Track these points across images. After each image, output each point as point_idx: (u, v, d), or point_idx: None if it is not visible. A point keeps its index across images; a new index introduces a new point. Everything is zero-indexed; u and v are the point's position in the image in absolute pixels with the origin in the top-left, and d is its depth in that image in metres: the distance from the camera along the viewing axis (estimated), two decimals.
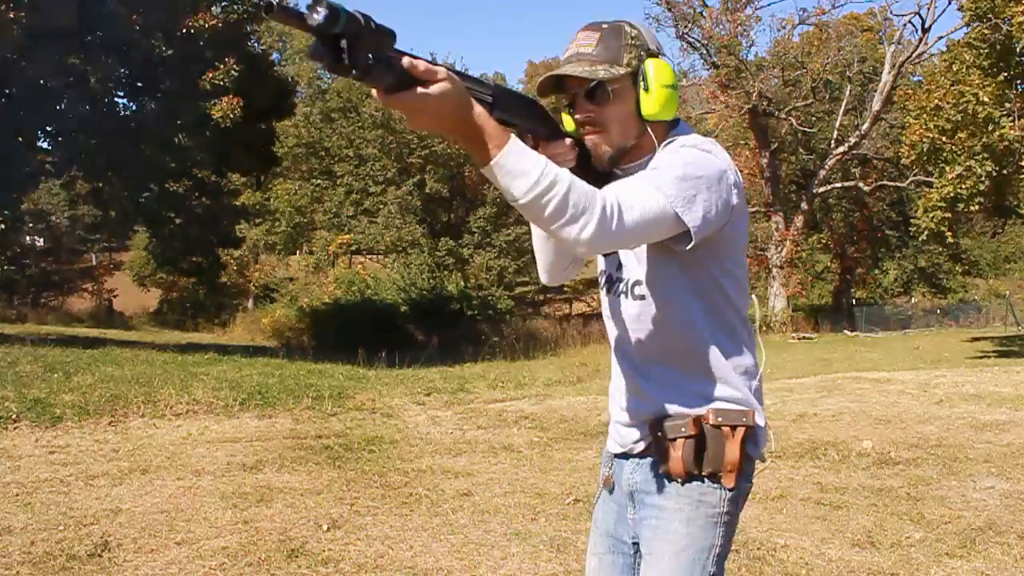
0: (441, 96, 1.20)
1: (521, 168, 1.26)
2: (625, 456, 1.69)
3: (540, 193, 1.26)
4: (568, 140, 1.56)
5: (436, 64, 1.22)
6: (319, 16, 1.06)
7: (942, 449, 5.94)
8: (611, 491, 1.73)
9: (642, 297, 1.60)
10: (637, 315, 1.61)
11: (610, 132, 1.54)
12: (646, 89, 1.51)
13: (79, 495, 4.49)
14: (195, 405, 7.26)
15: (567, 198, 1.28)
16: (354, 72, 1.11)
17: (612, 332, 1.71)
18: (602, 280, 1.71)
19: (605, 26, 1.54)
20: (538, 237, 1.69)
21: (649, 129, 1.55)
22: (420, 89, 1.18)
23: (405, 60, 1.18)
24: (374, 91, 1.19)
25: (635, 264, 1.61)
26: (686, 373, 1.58)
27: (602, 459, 1.79)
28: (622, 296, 1.64)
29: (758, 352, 1.65)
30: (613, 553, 1.72)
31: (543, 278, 1.79)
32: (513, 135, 1.29)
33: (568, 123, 1.62)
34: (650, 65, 1.51)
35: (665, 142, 1.56)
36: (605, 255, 1.68)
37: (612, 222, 1.32)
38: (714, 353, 1.57)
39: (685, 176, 1.43)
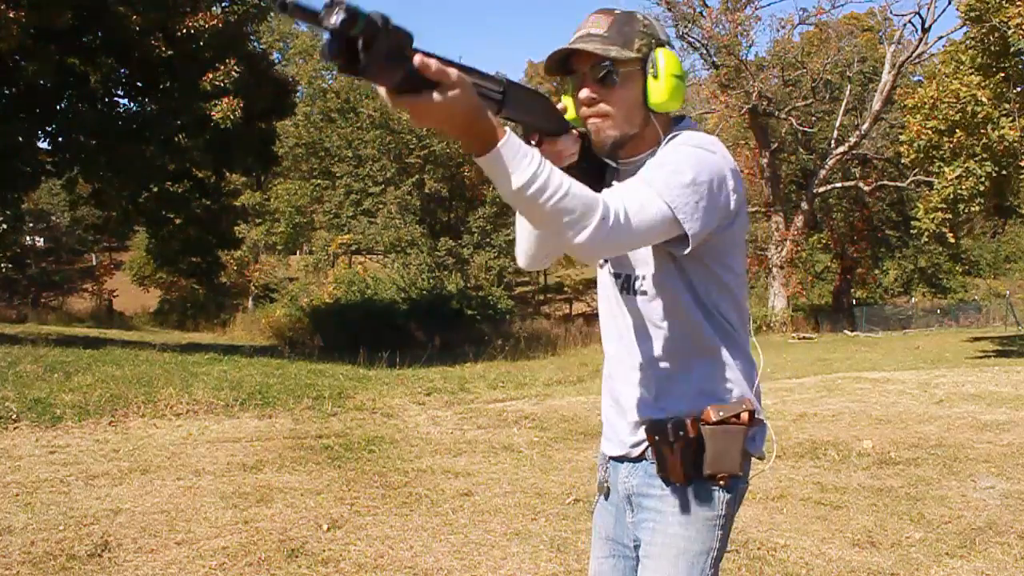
0: (451, 100, 1.16)
1: (516, 164, 1.23)
2: (621, 459, 1.66)
3: (536, 192, 1.24)
4: (573, 133, 1.52)
5: (448, 64, 1.18)
6: (336, 19, 1.03)
7: (942, 449, 5.93)
8: (607, 495, 1.71)
9: (644, 293, 1.58)
10: (642, 313, 1.59)
11: (614, 117, 1.51)
12: (655, 76, 1.48)
13: (79, 495, 4.49)
14: (195, 405, 7.26)
15: (564, 200, 1.25)
16: (366, 73, 1.09)
17: (613, 331, 1.67)
18: (614, 280, 1.65)
19: (617, 11, 1.52)
20: (523, 222, 1.64)
21: (654, 120, 1.53)
22: (434, 95, 1.15)
23: (417, 59, 1.14)
24: (381, 90, 1.16)
25: (640, 261, 1.59)
26: (686, 373, 1.57)
27: (598, 462, 1.77)
28: (632, 295, 1.61)
29: (753, 350, 1.64)
30: (614, 557, 1.70)
31: (520, 262, 1.74)
32: (509, 131, 1.25)
33: (571, 108, 1.59)
34: (660, 53, 1.48)
35: (668, 137, 1.53)
36: (603, 261, 1.67)
37: (610, 228, 1.30)
38: (714, 352, 1.57)
39: (687, 181, 1.40)
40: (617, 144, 1.53)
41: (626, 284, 1.62)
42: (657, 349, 1.58)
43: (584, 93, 1.51)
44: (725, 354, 1.57)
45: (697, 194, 1.40)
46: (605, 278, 1.68)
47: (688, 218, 1.39)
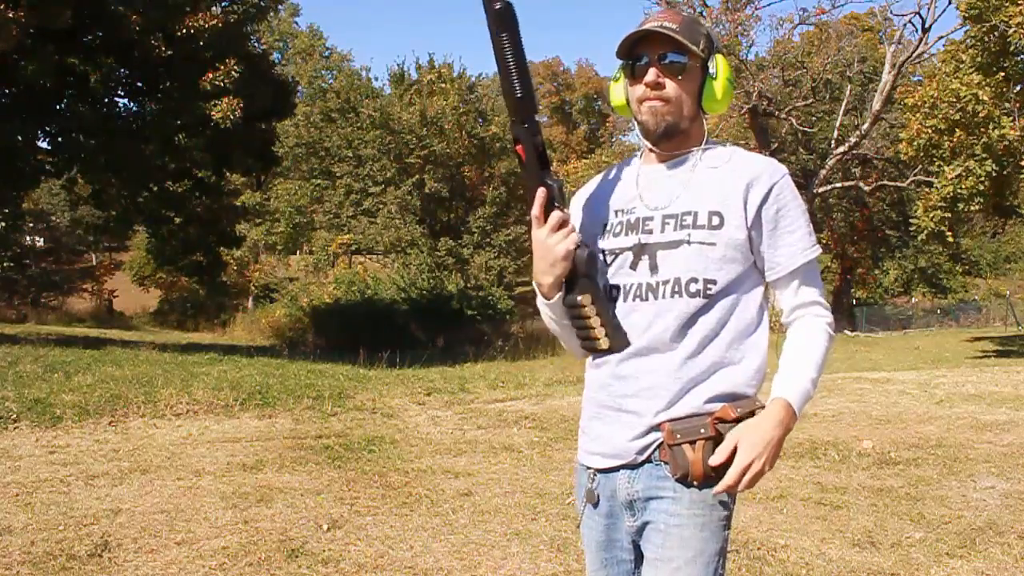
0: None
1: (807, 397, 1.58)
2: (615, 470, 1.62)
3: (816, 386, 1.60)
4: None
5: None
6: None
7: (942, 449, 5.93)
8: (596, 504, 1.66)
9: (676, 294, 1.56)
10: (662, 314, 1.57)
11: (673, 104, 1.59)
12: (714, 77, 1.60)
13: (79, 495, 4.49)
14: (195, 405, 7.26)
15: (825, 361, 1.62)
16: None
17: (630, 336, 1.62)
18: (629, 282, 1.62)
19: (686, 13, 1.68)
20: (562, 331, 1.73)
21: (702, 118, 1.64)
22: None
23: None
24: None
25: (676, 265, 1.57)
26: (711, 371, 1.56)
27: (577, 476, 1.73)
28: (658, 298, 1.58)
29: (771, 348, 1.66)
30: (606, 567, 1.68)
31: (575, 355, 1.81)
32: (782, 398, 1.55)
33: (616, 94, 1.67)
34: (719, 58, 1.61)
35: (718, 146, 1.65)
36: (635, 261, 1.61)
37: (832, 320, 1.66)
38: (728, 351, 1.57)
39: (808, 220, 1.64)
40: (669, 131, 1.61)
41: (653, 289, 1.59)
42: (677, 349, 1.56)
43: (651, 75, 1.58)
44: (746, 351, 1.58)
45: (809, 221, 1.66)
46: (619, 282, 1.64)
47: (818, 247, 1.66)
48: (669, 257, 1.58)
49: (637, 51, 1.59)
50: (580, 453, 1.71)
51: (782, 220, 1.60)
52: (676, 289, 1.57)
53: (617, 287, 1.63)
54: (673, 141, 1.62)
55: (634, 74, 1.61)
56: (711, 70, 1.60)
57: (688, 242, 1.56)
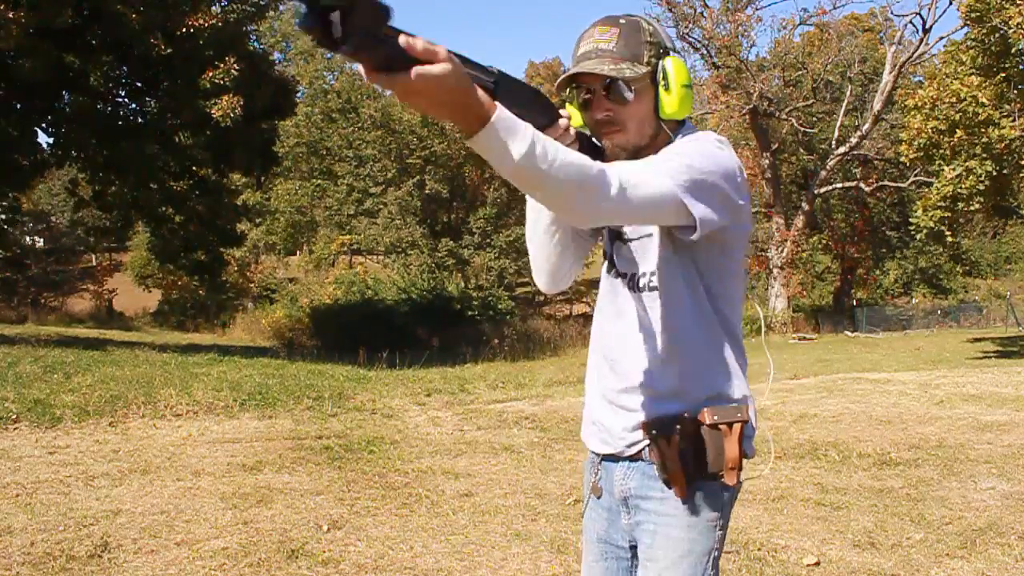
0: (440, 78, 1.10)
1: (513, 135, 1.18)
2: (614, 459, 1.63)
3: (539, 158, 1.19)
4: (564, 122, 1.49)
5: (435, 45, 1.12)
6: None
7: (943, 450, 5.93)
8: (599, 497, 1.68)
9: (654, 289, 1.56)
10: (649, 310, 1.57)
11: (628, 131, 1.51)
12: (667, 88, 1.48)
13: (79, 495, 4.48)
14: (195, 406, 7.25)
15: (566, 162, 1.22)
16: (344, 47, 1.02)
17: (612, 332, 1.65)
18: (622, 280, 1.62)
19: (623, 21, 1.50)
20: (537, 238, 1.62)
21: (664, 127, 1.53)
22: (418, 70, 1.09)
23: (402, 39, 1.09)
24: (361, 68, 1.10)
25: (645, 258, 1.57)
26: (684, 373, 1.56)
27: (586, 463, 1.74)
28: (640, 291, 1.59)
29: (749, 350, 1.64)
30: (605, 559, 1.69)
31: (543, 283, 1.70)
32: (499, 104, 1.19)
33: (576, 119, 1.58)
34: (669, 64, 1.48)
35: (694, 132, 1.56)
36: (620, 257, 1.62)
37: (613, 194, 1.27)
38: (712, 352, 1.56)
39: (697, 167, 1.40)
40: (631, 156, 1.53)
41: (634, 283, 1.60)
42: (662, 347, 1.57)
43: (598, 114, 1.50)
44: (727, 351, 1.57)
45: (703, 178, 1.40)
46: (611, 280, 1.66)
47: (693, 201, 1.37)
48: (644, 256, 1.58)
49: (578, 78, 1.50)
50: (589, 440, 1.72)
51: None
52: (633, 285, 1.59)
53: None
54: (640, 156, 1.54)
55: (582, 105, 1.53)
56: (661, 80, 1.48)
57: (631, 239, 1.58)
